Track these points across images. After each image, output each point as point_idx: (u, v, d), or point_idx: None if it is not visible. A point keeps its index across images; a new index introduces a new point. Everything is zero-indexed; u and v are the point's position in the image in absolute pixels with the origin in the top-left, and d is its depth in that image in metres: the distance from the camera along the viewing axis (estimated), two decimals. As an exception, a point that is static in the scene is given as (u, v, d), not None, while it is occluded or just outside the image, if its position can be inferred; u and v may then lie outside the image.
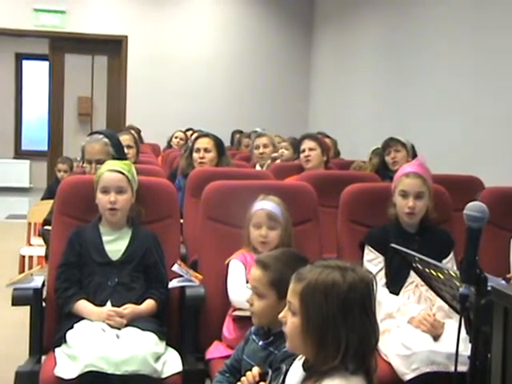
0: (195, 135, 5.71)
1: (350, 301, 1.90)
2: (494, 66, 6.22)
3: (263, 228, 3.31)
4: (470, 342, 1.78)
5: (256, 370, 2.33)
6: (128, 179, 3.43)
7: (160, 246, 3.44)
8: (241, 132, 10.03)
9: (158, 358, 2.94)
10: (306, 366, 2.00)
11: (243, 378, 2.33)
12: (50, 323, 3.27)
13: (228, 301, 3.28)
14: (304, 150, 5.50)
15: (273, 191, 3.51)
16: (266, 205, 3.36)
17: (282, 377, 2.28)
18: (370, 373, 1.93)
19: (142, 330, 3.03)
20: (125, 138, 5.42)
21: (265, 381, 2.30)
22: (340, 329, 1.88)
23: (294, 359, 2.15)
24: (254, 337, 2.62)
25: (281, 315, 2.06)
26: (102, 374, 2.74)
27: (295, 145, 6.41)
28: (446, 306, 2.96)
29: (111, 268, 3.29)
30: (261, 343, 2.57)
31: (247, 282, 3.09)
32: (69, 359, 2.87)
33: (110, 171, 3.43)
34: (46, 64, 12.50)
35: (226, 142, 7.89)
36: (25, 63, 15.56)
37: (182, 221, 3.97)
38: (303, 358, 2.04)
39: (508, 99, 5.97)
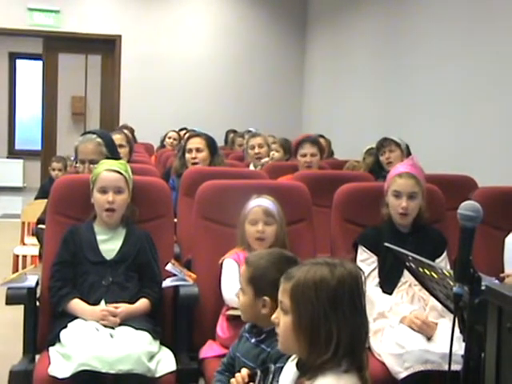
0: (187, 135, 5.72)
1: (340, 295, 1.92)
2: (489, 65, 6.23)
3: (259, 224, 3.32)
4: (464, 341, 1.78)
5: (245, 371, 2.34)
6: (126, 179, 3.44)
7: (154, 245, 3.44)
8: (235, 131, 10.03)
9: (151, 357, 2.93)
10: (299, 365, 2.01)
11: (232, 380, 2.34)
12: (43, 322, 3.27)
13: (222, 300, 3.28)
14: (305, 155, 5.51)
15: (267, 191, 3.52)
16: (261, 202, 3.37)
17: (271, 376, 2.30)
18: (362, 370, 1.94)
19: (136, 329, 3.02)
20: (117, 138, 5.41)
21: (254, 381, 2.31)
22: (331, 323, 1.90)
23: (287, 358, 2.16)
24: (246, 335, 2.64)
25: (273, 316, 2.08)
26: (95, 373, 2.74)
27: (286, 146, 6.42)
28: (439, 306, 2.97)
29: (105, 267, 3.29)
30: (253, 341, 2.59)
31: (241, 281, 3.10)
32: (63, 358, 2.87)
33: (108, 171, 3.43)
34: (39, 63, 12.47)
35: (220, 142, 7.88)
36: (18, 62, 15.52)
37: (175, 220, 3.97)
38: (296, 358, 2.04)
39: (502, 99, 5.98)
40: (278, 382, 2.17)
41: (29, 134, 15.14)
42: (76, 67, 12.19)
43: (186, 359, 3.21)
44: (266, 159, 6.24)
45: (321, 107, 11.28)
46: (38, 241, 4.12)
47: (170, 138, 9.15)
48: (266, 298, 2.53)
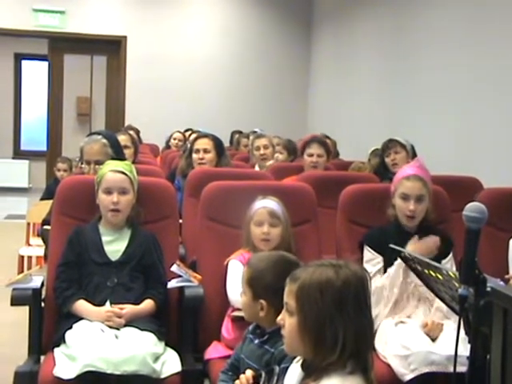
0: (194, 136, 5.69)
1: (345, 296, 1.93)
2: (493, 66, 6.22)
3: (265, 225, 3.31)
4: (469, 342, 1.78)
5: (249, 372, 2.34)
6: (130, 180, 3.44)
7: (159, 246, 3.44)
8: (240, 132, 10.02)
9: (156, 359, 2.94)
10: (304, 366, 2.01)
11: (236, 382, 2.34)
12: (48, 323, 3.27)
13: (227, 301, 3.28)
14: (312, 155, 5.51)
15: (272, 192, 3.51)
16: (267, 203, 3.37)
17: (275, 378, 2.30)
18: (367, 371, 1.94)
19: (141, 330, 3.03)
20: (122, 139, 5.40)
21: (258, 383, 2.31)
22: (337, 325, 1.90)
23: (292, 359, 2.16)
24: (250, 336, 2.65)
25: (279, 318, 2.08)
26: (100, 374, 2.74)
27: (289, 148, 6.42)
28: (444, 307, 2.98)
29: (110, 268, 3.29)
30: (256, 342, 2.59)
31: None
32: (68, 359, 2.87)
33: (113, 172, 3.42)
34: (45, 64, 12.50)
35: (226, 142, 7.87)
36: (24, 63, 15.53)
37: (180, 221, 3.97)
38: (301, 360, 2.04)
39: (507, 100, 5.97)
40: (282, 383, 2.17)
41: (34, 134, 15.15)
42: (81, 68, 12.22)
43: (191, 360, 3.20)
44: (271, 162, 6.24)
45: (326, 108, 11.28)
46: (44, 242, 4.12)
47: (175, 138, 9.14)
48: (262, 301, 2.54)
